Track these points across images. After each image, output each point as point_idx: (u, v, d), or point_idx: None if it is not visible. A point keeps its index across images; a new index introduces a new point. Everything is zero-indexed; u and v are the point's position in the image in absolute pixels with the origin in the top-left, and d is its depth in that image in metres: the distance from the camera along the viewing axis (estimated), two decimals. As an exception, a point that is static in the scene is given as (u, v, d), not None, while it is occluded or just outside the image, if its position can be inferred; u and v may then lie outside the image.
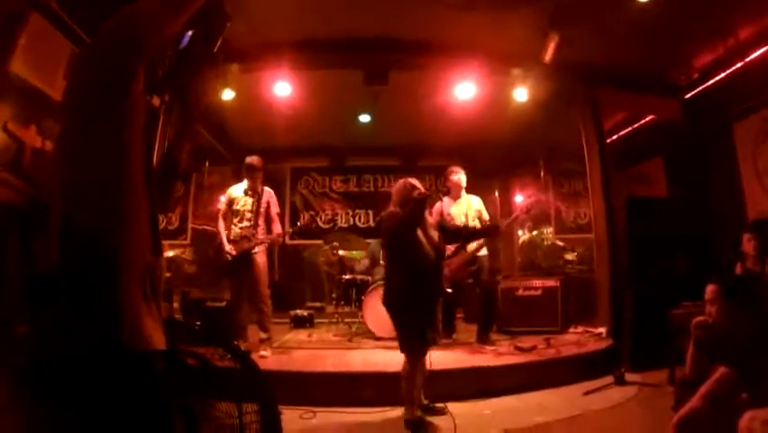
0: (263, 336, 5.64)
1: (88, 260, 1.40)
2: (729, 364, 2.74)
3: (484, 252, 6.04)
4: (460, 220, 6.12)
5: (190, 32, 1.72)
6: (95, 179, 1.49)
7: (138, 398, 1.41)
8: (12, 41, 3.53)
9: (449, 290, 5.67)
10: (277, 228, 5.93)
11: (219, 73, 1.82)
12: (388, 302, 4.18)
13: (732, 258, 4.85)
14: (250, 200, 5.79)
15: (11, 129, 3.48)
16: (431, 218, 6.02)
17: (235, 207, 5.78)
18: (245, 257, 5.62)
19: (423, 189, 4.22)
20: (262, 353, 5.48)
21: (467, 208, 6.20)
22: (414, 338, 4.03)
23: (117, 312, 1.39)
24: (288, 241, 9.95)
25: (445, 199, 6.31)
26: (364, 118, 8.21)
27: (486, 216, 6.23)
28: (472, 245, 5.89)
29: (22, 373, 1.70)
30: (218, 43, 1.81)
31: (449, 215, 6.18)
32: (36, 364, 1.49)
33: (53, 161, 1.62)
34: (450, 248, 5.88)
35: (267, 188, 5.98)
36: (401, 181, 4.34)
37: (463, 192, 6.29)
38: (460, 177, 6.20)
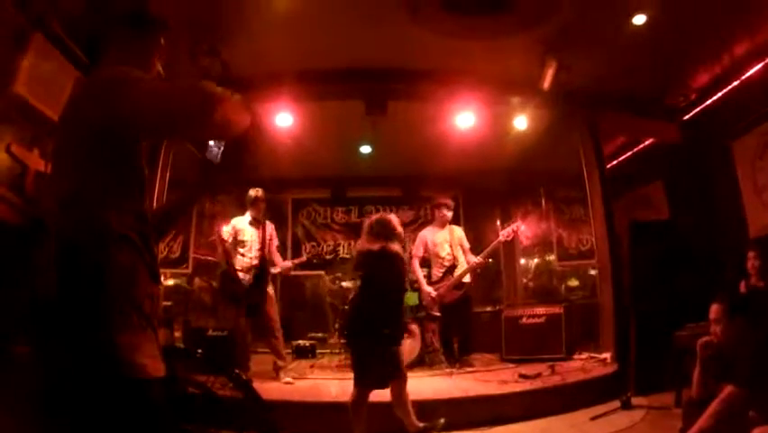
0: (280, 363, 5.73)
1: (83, 285, 1.41)
2: (737, 383, 2.70)
3: (468, 278, 6.44)
4: (443, 248, 6.47)
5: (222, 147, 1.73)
6: (86, 199, 1.50)
7: (131, 425, 1.40)
8: (15, 63, 3.57)
9: (437, 314, 6.27)
10: (278, 259, 6.02)
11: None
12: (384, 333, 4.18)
13: (736, 277, 4.83)
14: (255, 231, 5.88)
15: (14, 151, 3.50)
16: (419, 250, 6.63)
17: (241, 237, 5.85)
18: (256, 287, 5.65)
19: None
20: (287, 379, 5.62)
21: (450, 237, 6.53)
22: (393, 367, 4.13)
23: (111, 341, 1.40)
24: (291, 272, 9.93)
25: (428, 229, 6.81)
26: (365, 149, 8.26)
27: (467, 245, 6.58)
28: (458, 271, 6.33)
29: (23, 394, 1.69)
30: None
31: (433, 243, 6.59)
32: (35, 389, 1.49)
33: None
34: (437, 274, 6.47)
35: (268, 222, 6.09)
36: (396, 218, 4.52)
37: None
38: (449, 213, 6.60)
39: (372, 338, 4.14)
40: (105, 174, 1.51)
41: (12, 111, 3.53)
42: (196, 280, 9.01)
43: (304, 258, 8.00)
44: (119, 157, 1.53)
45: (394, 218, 4.45)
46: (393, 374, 4.09)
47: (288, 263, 6.40)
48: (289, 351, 7.58)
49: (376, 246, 4.26)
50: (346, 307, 7.52)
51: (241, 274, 5.64)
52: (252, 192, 5.89)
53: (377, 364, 4.09)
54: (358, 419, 4.05)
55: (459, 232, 6.60)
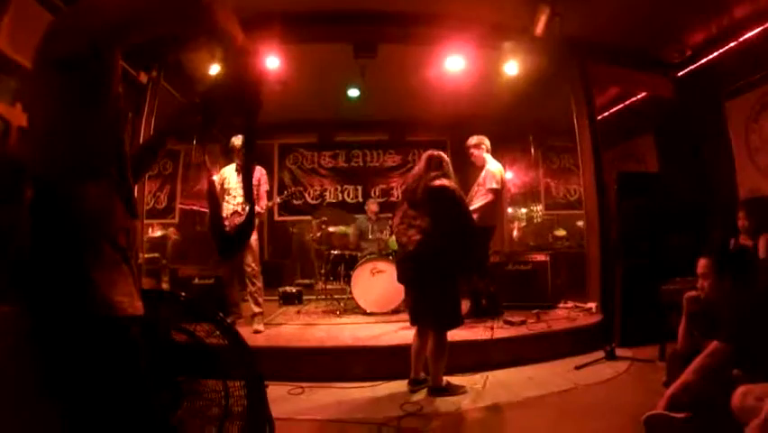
0: (256, 309, 5.69)
1: (55, 218, 1.36)
2: (722, 339, 2.71)
3: None
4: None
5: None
6: (56, 134, 1.44)
7: (109, 365, 1.37)
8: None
9: None
10: (262, 203, 5.94)
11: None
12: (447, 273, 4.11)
13: (724, 234, 4.85)
14: (240, 178, 5.76)
15: (-4, 107, 3.43)
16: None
17: (227, 185, 5.80)
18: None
19: None
20: (256, 327, 5.56)
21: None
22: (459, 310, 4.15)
23: (84, 276, 1.35)
24: (276, 217, 9.93)
25: None
26: (353, 93, 8.11)
27: (488, 185, 5.92)
28: None
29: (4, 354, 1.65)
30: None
31: None
32: (18, 341, 1.45)
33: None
34: None
35: (258, 166, 5.97)
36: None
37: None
38: (477, 152, 6.12)
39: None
40: (79, 105, 1.43)
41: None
42: (171, 230, 8.97)
43: (277, 200, 8.12)
44: (93, 84, 1.45)
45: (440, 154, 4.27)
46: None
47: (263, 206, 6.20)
48: (276, 297, 7.61)
49: (413, 184, 4.19)
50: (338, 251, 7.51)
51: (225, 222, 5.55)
52: (234, 139, 5.76)
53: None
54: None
55: (484, 173, 6.05)
